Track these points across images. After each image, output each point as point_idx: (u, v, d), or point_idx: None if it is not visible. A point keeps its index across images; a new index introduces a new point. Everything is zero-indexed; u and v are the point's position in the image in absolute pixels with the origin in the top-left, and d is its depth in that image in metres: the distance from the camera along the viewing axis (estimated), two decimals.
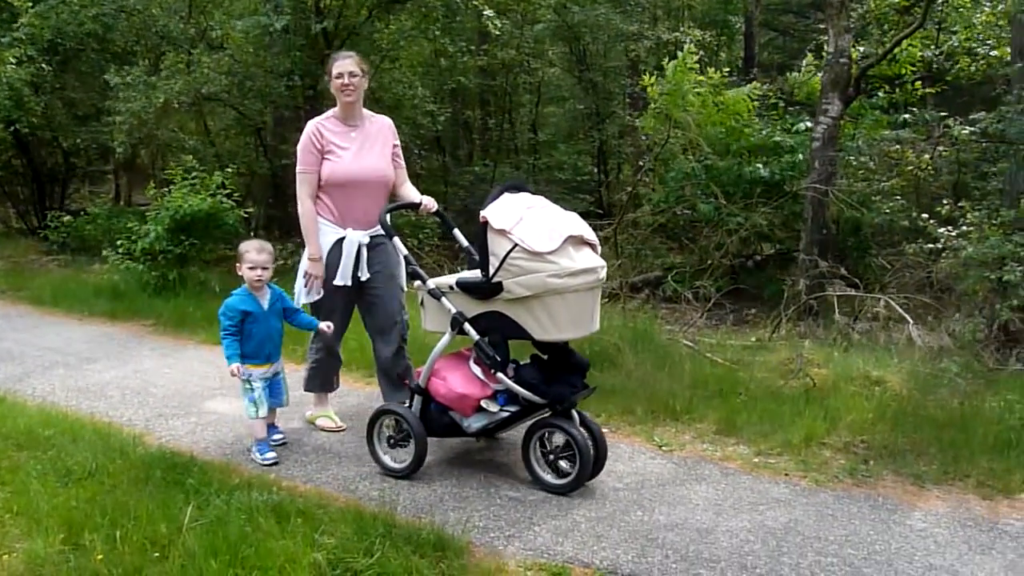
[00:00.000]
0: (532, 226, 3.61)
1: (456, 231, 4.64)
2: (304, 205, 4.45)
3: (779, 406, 4.88)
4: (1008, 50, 8.28)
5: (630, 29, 14.39)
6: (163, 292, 8.42)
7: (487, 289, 3.69)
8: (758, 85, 10.23)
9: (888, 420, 4.63)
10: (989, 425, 4.47)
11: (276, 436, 4.47)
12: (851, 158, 9.26)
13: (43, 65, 11.13)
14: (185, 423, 4.88)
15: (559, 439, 3.81)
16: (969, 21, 9.75)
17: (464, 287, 3.81)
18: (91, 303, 8.34)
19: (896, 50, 9.59)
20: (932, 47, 9.96)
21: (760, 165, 9.25)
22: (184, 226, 8.47)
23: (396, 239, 4.18)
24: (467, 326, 3.82)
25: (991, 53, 9.41)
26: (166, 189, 8.84)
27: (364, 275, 4.47)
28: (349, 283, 4.43)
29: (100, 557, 3.06)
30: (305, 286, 4.47)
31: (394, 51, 11.20)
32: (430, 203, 4.53)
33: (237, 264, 4.26)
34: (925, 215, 6.87)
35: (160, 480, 3.79)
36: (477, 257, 4.19)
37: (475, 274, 3.85)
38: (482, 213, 3.67)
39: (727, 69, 10.99)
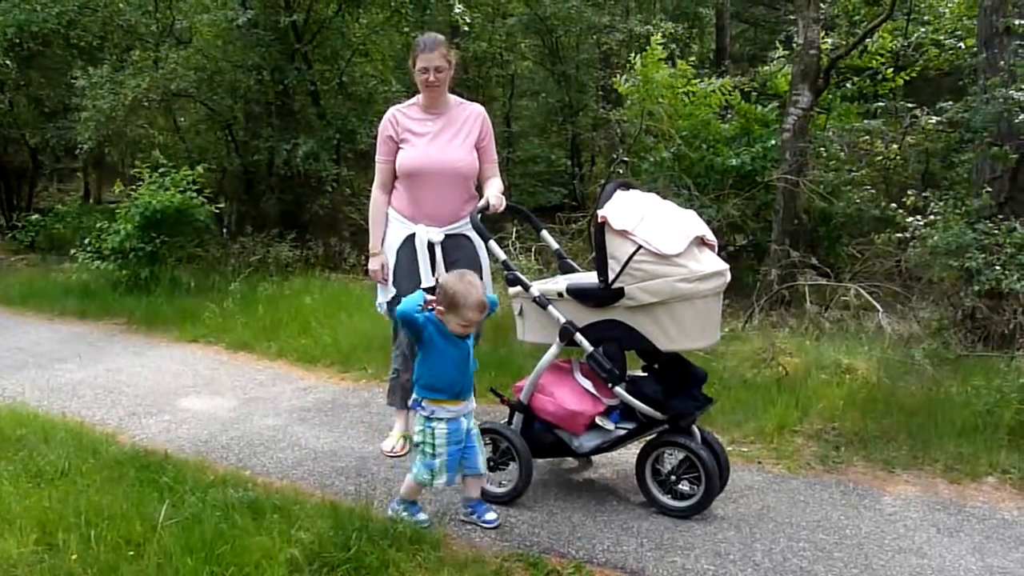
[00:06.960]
0: (656, 226, 3.30)
1: (544, 232, 4.23)
2: (372, 196, 4.24)
3: (752, 395, 4.93)
4: (973, 41, 8.39)
5: (602, 21, 14.46)
6: (135, 290, 8.34)
7: (606, 296, 3.35)
8: (729, 80, 10.29)
9: (858, 407, 4.69)
10: (956, 410, 4.53)
11: (489, 516, 3.46)
12: (821, 148, 9.35)
13: (6, 62, 10.98)
14: (159, 421, 4.85)
15: (678, 458, 3.52)
16: (937, 12, 9.86)
17: (577, 294, 3.45)
18: (61, 302, 8.26)
19: (868, 41, 9.69)
20: (900, 38, 10.06)
21: (732, 155, 9.30)
22: (154, 223, 8.39)
23: (492, 242, 3.81)
24: (579, 336, 3.47)
25: (959, 44, 9.53)
26: (134, 187, 8.75)
27: (435, 277, 3.99)
28: (431, 284, 3.94)
29: (74, 557, 3.03)
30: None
31: (365, 45, 11.14)
32: (497, 202, 3.90)
33: (439, 308, 3.21)
34: (894, 205, 6.94)
35: (134, 479, 3.76)
36: (568, 260, 4.06)
37: (587, 278, 3.58)
38: (599, 213, 3.34)
39: (693, 59, 11.02)
